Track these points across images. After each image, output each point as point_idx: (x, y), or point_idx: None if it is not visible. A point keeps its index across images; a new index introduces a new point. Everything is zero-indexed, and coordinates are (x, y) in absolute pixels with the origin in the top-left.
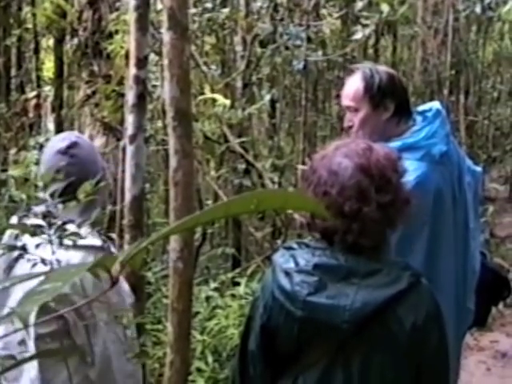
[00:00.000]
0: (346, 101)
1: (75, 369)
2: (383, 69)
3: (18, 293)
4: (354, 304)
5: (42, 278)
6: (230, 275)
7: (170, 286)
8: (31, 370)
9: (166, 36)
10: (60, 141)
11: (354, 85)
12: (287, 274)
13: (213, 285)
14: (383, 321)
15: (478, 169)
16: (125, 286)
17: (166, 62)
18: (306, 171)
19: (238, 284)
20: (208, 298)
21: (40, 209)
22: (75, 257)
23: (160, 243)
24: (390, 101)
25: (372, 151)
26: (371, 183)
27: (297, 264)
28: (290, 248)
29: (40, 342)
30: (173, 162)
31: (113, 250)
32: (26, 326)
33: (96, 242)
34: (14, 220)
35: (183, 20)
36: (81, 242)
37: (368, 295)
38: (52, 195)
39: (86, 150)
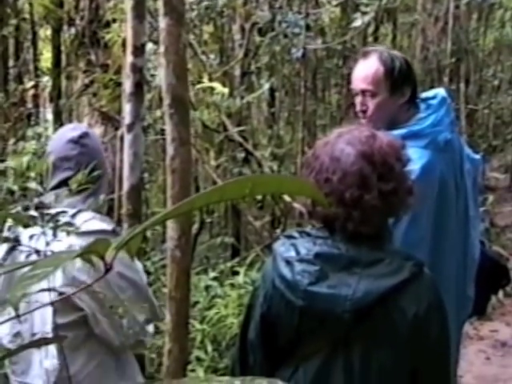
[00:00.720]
0: (363, 84)
1: (91, 355)
2: (397, 53)
3: None
4: (356, 294)
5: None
6: (229, 264)
7: (168, 275)
8: (44, 361)
9: (162, 22)
10: (71, 130)
11: (372, 68)
12: (288, 262)
13: (212, 274)
14: (385, 311)
15: (477, 156)
16: (138, 263)
17: (161, 48)
18: (308, 157)
19: (237, 273)
20: (207, 288)
21: (36, 200)
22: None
23: (159, 232)
24: (407, 87)
25: (375, 139)
26: (373, 171)
27: (298, 253)
28: (290, 237)
29: (58, 332)
30: (170, 149)
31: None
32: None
33: (106, 226)
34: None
35: (179, 6)
36: (91, 227)
37: (370, 285)
38: (59, 184)
39: (94, 140)
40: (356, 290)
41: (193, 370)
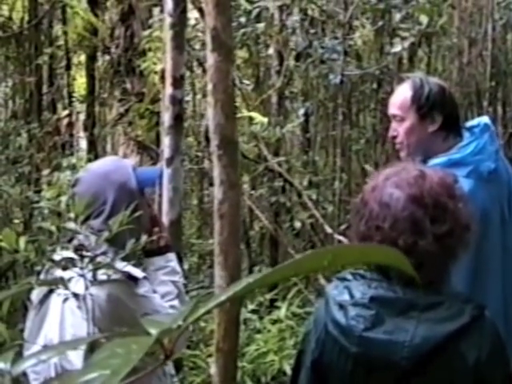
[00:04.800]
0: (393, 109)
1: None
2: (434, 80)
3: (49, 327)
4: (414, 340)
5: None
6: (268, 296)
7: (216, 325)
8: None
9: (210, 58)
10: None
11: (402, 94)
12: (342, 307)
13: (250, 306)
14: (445, 357)
15: None
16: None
17: (209, 86)
18: (356, 204)
19: (275, 304)
20: (246, 321)
21: (75, 242)
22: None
23: (195, 262)
24: (438, 113)
25: (425, 178)
26: (425, 214)
27: (352, 296)
28: (344, 279)
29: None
30: (218, 193)
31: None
32: None
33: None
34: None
35: (228, 41)
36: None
37: (429, 330)
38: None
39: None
40: (414, 336)
41: None
